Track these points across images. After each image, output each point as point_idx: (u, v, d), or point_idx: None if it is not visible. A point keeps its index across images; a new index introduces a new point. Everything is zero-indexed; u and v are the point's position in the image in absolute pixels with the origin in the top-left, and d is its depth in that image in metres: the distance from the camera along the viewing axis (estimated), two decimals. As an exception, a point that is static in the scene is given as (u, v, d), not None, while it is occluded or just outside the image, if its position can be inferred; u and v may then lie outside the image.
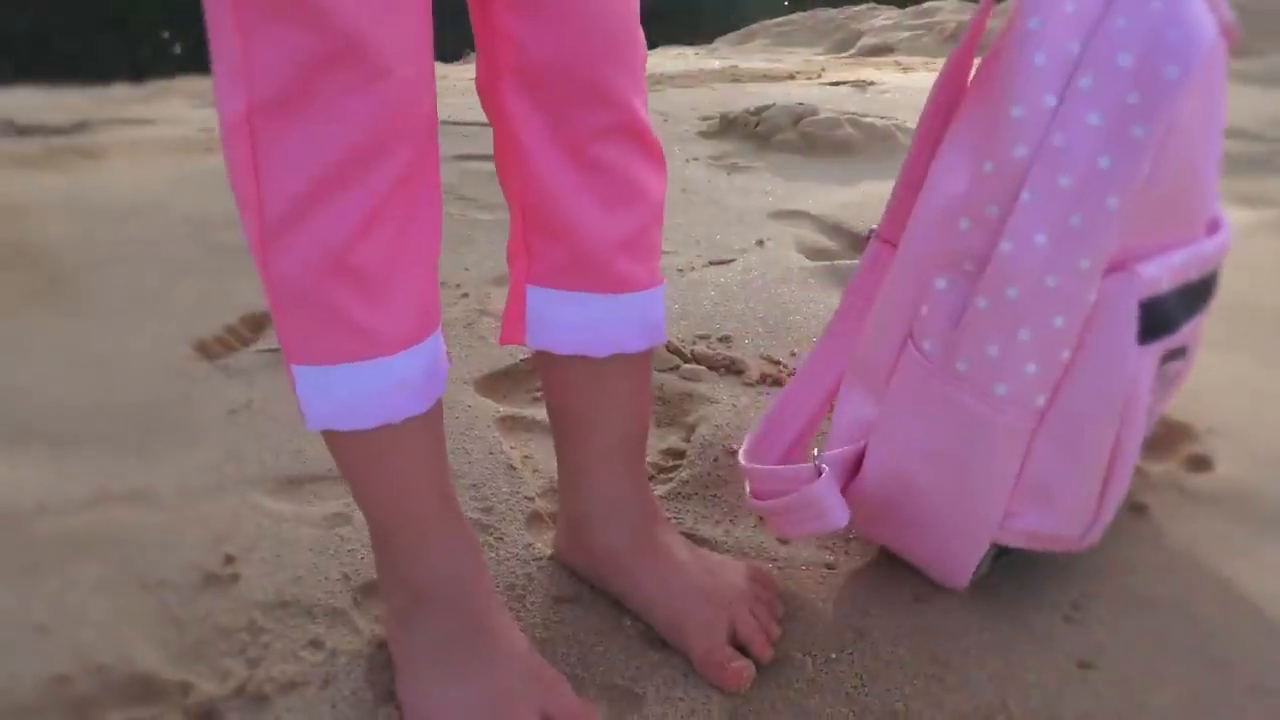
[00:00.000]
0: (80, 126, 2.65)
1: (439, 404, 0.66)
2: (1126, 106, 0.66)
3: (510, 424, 1.07)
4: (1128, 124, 0.65)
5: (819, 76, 3.38)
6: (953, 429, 0.70)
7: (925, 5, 5.03)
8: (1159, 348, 0.70)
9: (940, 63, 3.91)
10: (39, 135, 2.56)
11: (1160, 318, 0.70)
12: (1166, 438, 1.00)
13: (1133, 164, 0.65)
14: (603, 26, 0.62)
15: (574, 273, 0.68)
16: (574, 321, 0.70)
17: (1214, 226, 0.80)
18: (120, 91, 4.01)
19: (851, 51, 4.74)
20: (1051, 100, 0.67)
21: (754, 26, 5.76)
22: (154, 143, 2.44)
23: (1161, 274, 0.69)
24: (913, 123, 2.56)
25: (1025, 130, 0.67)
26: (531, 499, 0.92)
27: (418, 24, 0.56)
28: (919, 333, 0.71)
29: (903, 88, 3.07)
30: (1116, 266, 0.68)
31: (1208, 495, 0.90)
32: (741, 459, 0.81)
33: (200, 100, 3.38)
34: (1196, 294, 0.75)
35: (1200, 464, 0.96)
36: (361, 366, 0.61)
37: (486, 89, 0.67)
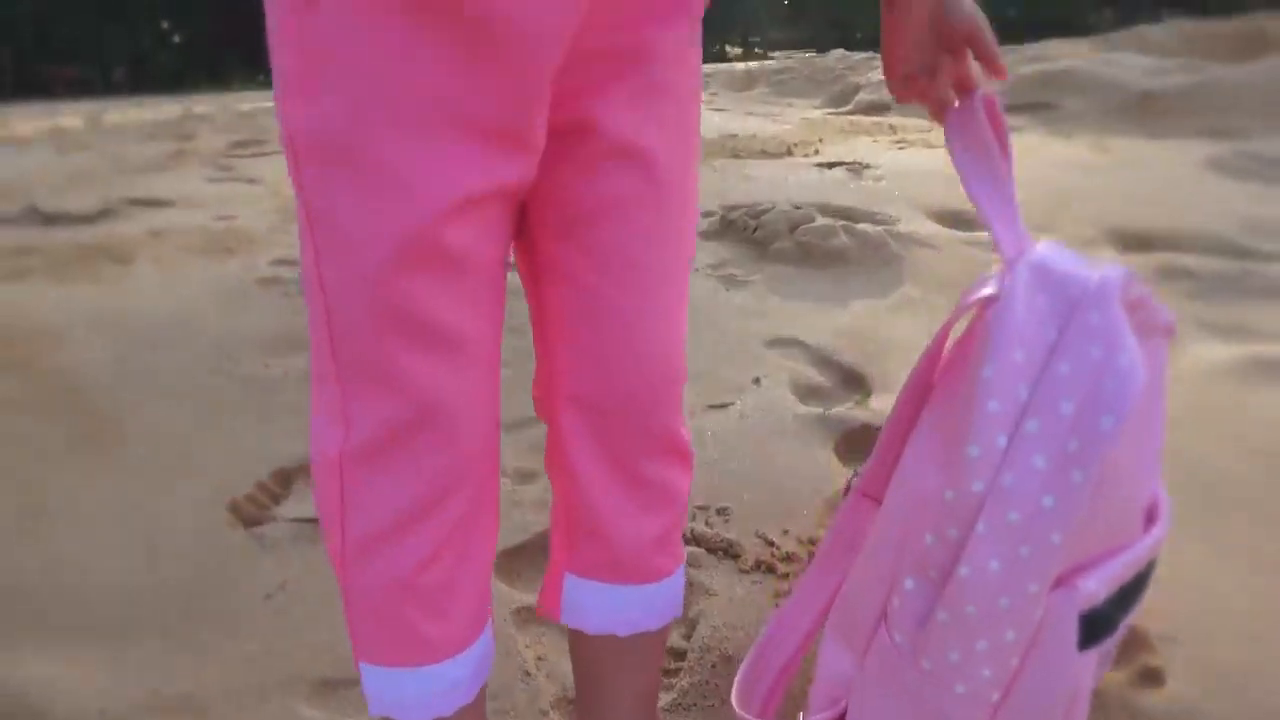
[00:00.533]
0: (105, 214, 2.75)
1: (484, 686, 0.77)
2: (1068, 453, 0.76)
3: (525, 617, 1.17)
4: (1068, 469, 0.76)
5: (815, 153, 3.48)
6: (918, 716, 0.80)
7: (921, 62, 5.12)
8: (1098, 651, 0.81)
9: (932, 133, 4.02)
10: (65, 225, 2.66)
11: (1099, 625, 0.80)
12: (1121, 642, 1.10)
13: (1073, 504, 0.76)
14: (651, 372, 0.71)
15: (610, 568, 0.79)
16: (606, 608, 0.80)
17: (1152, 515, 0.90)
18: (135, 142, 4.12)
19: (848, 107, 4.84)
20: (1003, 440, 0.77)
21: (754, 69, 5.87)
22: (177, 236, 2.54)
23: (1100, 586, 0.80)
24: (906, 223, 2.67)
25: (980, 468, 0.77)
26: (546, 712, 1.02)
27: (487, 385, 0.66)
28: (891, 622, 0.82)
29: (898, 172, 3.17)
30: (1060, 581, 0.78)
31: (1161, 717, 1.00)
32: (734, 703, 0.91)
33: (213, 170, 3.48)
34: (1133, 590, 0.85)
35: (1153, 678, 1.04)
36: (422, 671, 0.72)
37: (542, 400, 0.76)
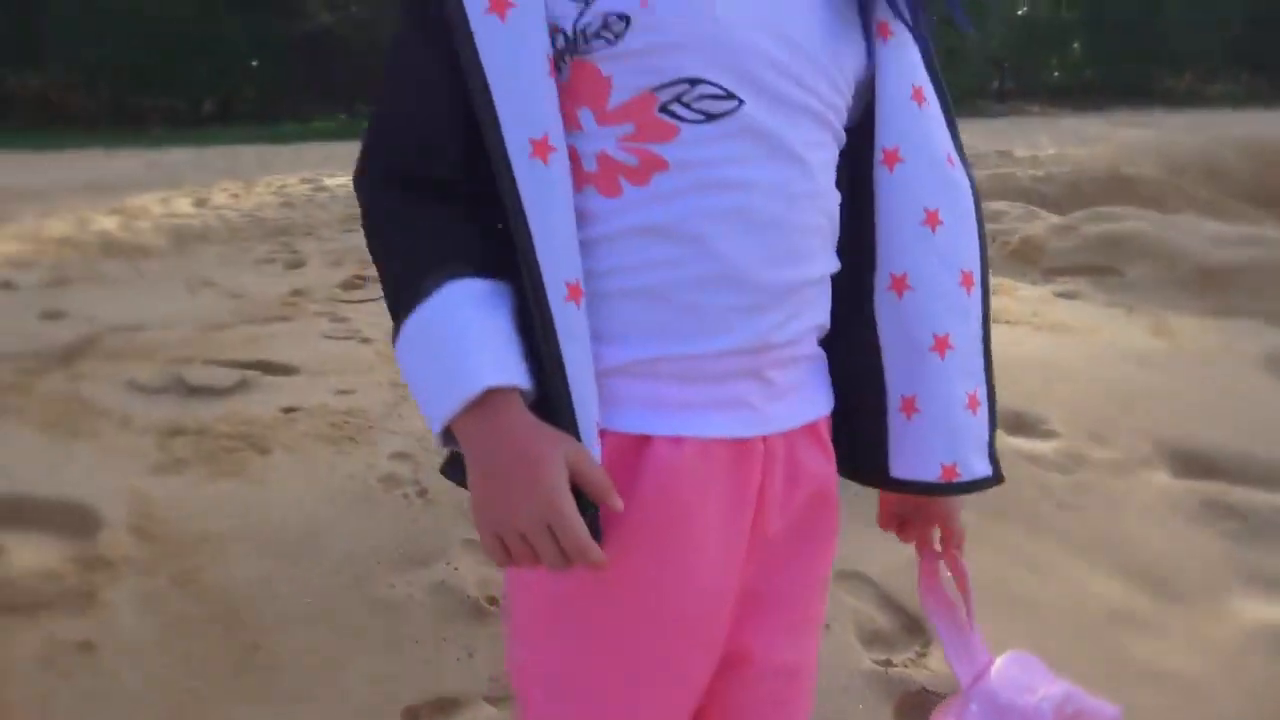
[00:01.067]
0: (241, 385, 3.08)
1: None
2: None
3: None
4: None
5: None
6: None
7: (990, 209, 5.34)
8: None
9: (1004, 284, 4.22)
10: (207, 398, 2.99)
11: None
12: None
13: None
14: None
15: None
16: None
17: None
18: (248, 259, 4.49)
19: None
20: None
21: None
22: (306, 420, 2.85)
23: None
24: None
25: None
26: None
27: None
28: None
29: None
30: None
31: None
32: None
33: (329, 323, 3.81)
34: None
35: None
36: None
37: None
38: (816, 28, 0.79)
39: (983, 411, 0.90)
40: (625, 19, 0.72)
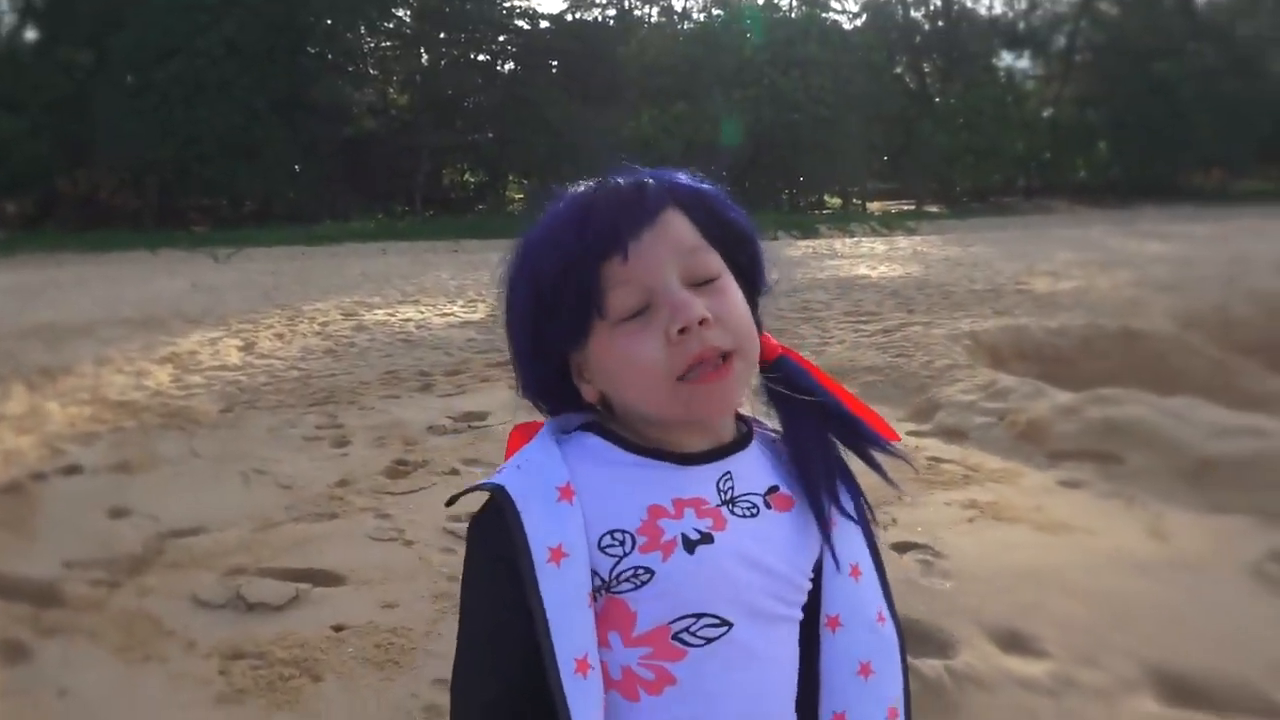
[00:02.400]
0: (294, 601, 3.35)
1: None
2: None
3: None
4: None
5: (894, 522, 3.94)
6: None
7: (1000, 385, 5.60)
8: None
9: (1003, 484, 4.44)
10: (263, 615, 3.27)
11: None
12: None
13: None
14: None
15: None
16: None
17: None
18: (291, 416, 4.80)
19: (928, 427, 5.32)
20: None
21: (845, 363, 6.42)
22: (353, 640, 3.11)
23: None
24: (965, 650, 3.07)
25: None
26: None
27: None
28: None
29: (966, 570, 3.58)
30: None
31: None
32: None
33: (373, 520, 4.10)
34: None
35: None
36: None
37: None
38: (789, 552, 1.03)
39: None
40: (651, 572, 0.96)
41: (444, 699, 2.82)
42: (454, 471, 4.79)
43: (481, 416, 6.09)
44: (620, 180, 0.98)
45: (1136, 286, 11.03)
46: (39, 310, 13.02)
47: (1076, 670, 3.02)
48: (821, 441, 1.07)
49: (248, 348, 9.46)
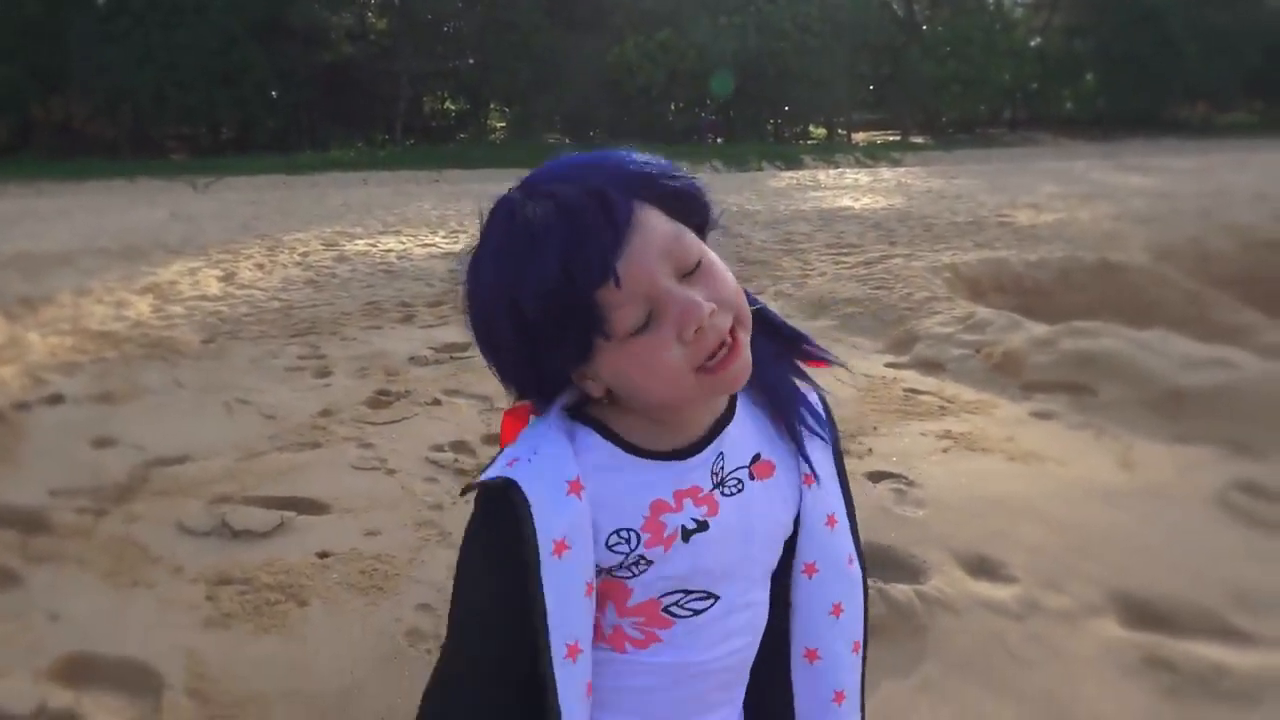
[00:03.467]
0: (280, 528, 3.41)
1: None
2: None
3: None
4: None
5: (869, 452, 4.01)
6: None
7: (978, 317, 5.65)
8: None
9: (978, 416, 4.51)
10: (249, 541, 3.32)
11: None
12: None
13: None
14: None
15: None
16: None
17: None
18: (272, 349, 4.82)
19: (906, 359, 5.38)
20: None
21: (824, 295, 6.45)
22: (338, 566, 3.17)
23: None
24: (934, 575, 3.16)
25: None
26: None
27: None
28: None
29: (937, 498, 3.66)
30: None
31: None
32: None
33: (356, 450, 4.14)
34: None
35: None
36: None
37: None
38: (772, 519, 1.10)
39: None
40: (650, 562, 1.03)
41: (426, 623, 2.90)
42: (436, 402, 4.82)
43: (463, 348, 6.11)
44: (577, 193, 0.92)
45: (1116, 220, 11.07)
46: (17, 240, 12.87)
47: (1043, 595, 3.12)
48: (780, 378, 1.11)
49: (228, 278, 9.41)
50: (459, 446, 4.22)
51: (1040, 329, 5.35)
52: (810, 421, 1.11)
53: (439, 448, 4.21)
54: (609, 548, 1.01)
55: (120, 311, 7.58)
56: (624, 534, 1.01)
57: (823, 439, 1.13)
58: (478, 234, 1.00)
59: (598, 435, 1.03)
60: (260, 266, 10.20)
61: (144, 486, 3.79)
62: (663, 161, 0.99)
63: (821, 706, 1.16)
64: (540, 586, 0.97)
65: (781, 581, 1.17)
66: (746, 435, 1.08)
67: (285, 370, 5.50)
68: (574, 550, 0.98)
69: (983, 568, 3.27)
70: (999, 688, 2.75)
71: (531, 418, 1.07)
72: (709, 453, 1.04)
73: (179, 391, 5.14)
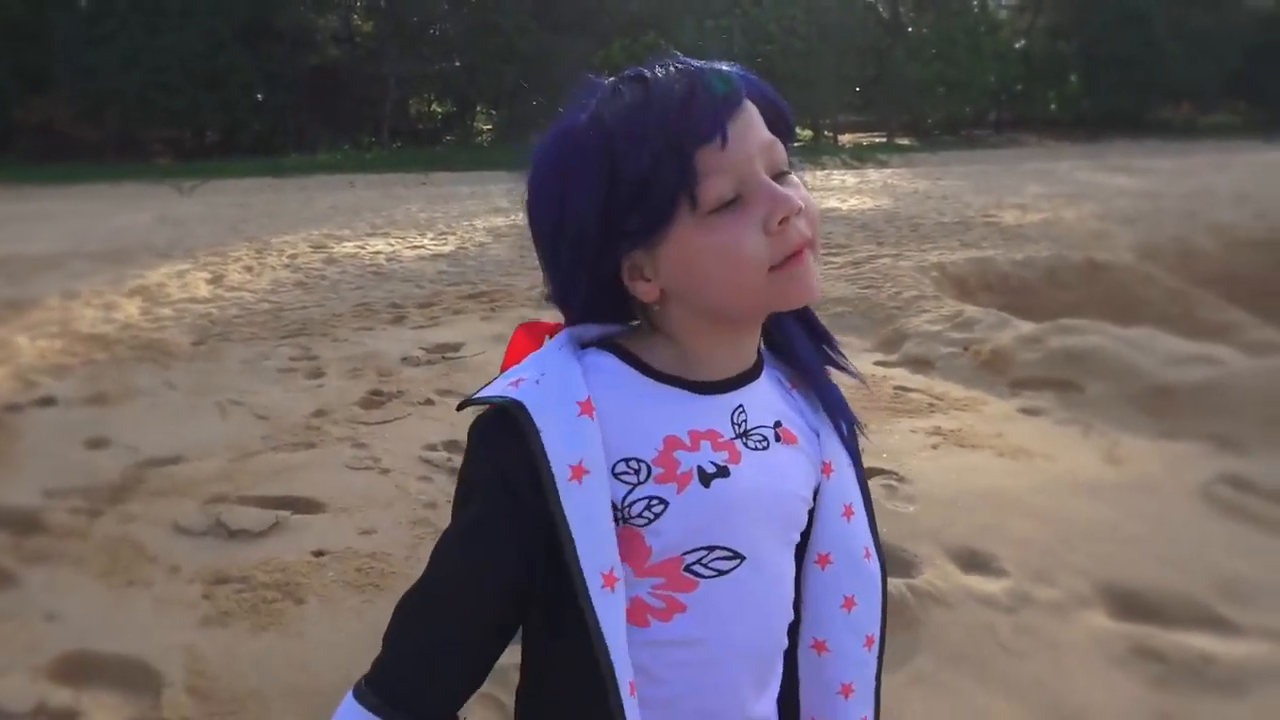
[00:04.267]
0: (275, 527, 3.42)
1: None
2: None
3: None
4: None
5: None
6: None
7: (965, 316, 5.70)
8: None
9: (966, 412, 4.56)
10: (245, 541, 3.34)
11: None
12: None
13: None
14: None
15: None
16: None
17: None
18: (263, 352, 4.84)
19: (895, 358, 5.42)
20: None
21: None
22: (334, 564, 3.19)
23: None
24: (926, 569, 3.19)
25: None
26: None
27: None
28: None
29: (928, 493, 3.70)
30: None
31: None
32: None
33: (350, 450, 4.16)
34: None
35: None
36: None
37: None
38: (796, 485, 1.05)
39: None
40: (665, 503, 0.97)
41: (425, 619, 2.92)
42: (429, 402, 4.84)
43: (455, 348, 6.13)
44: (699, 66, 0.92)
45: (1101, 219, 11.15)
46: (2, 243, 12.81)
47: (1032, 587, 3.16)
48: (822, 368, 1.10)
49: (217, 280, 9.39)
50: (452, 445, 4.23)
51: (1027, 327, 5.41)
52: (837, 404, 1.09)
53: (432, 447, 4.23)
54: (616, 476, 0.94)
55: (109, 314, 7.56)
56: (633, 464, 0.95)
57: (844, 429, 1.11)
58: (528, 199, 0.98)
59: (612, 356, 0.98)
60: (249, 269, 10.18)
61: (139, 487, 3.80)
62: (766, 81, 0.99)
63: (827, 698, 1.13)
64: (563, 514, 0.91)
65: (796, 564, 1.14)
66: (772, 400, 1.05)
67: (277, 371, 5.51)
68: (593, 475, 0.92)
69: (973, 561, 3.31)
70: (991, 679, 2.78)
71: (546, 339, 1.02)
72: (730, 398, 1.00)
73: (171, 393, 5.14)
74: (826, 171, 24.58)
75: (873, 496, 3.45)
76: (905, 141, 38.71)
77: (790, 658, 1.13)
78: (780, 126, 0.98)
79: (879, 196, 16.05)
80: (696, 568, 0.99)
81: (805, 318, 1.09)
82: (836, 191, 17.39)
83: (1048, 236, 9.75)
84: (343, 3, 40.36)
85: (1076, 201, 13.61)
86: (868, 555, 1.11)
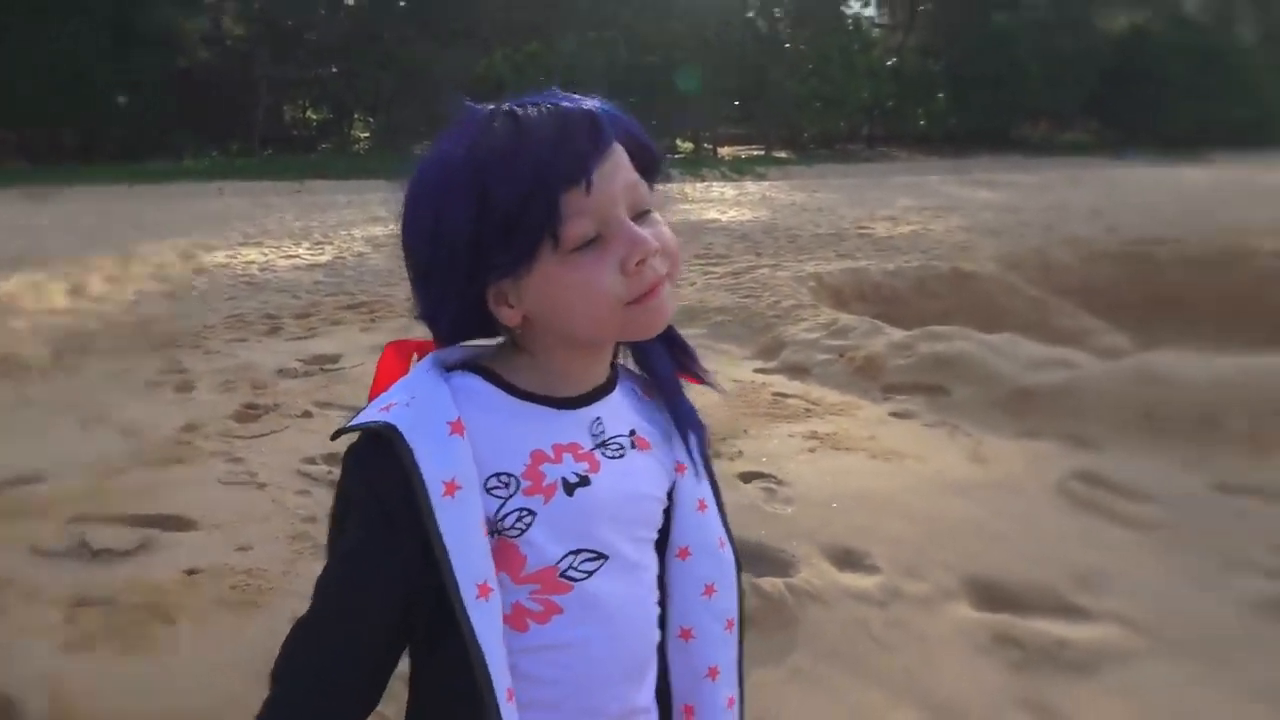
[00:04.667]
0: (143, 546, 3.30)
1: None
2: None
3: None
4: None
5: (739, 454, 4.14)
6: None
7: (840, 324, 5.89)
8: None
9: (843, 416, 4.71)
10: (110, 561, 3.21)
11: None
12: None
13: None
14: None
15: None
16: None
17: None
18: (127, 370, 4.66)
19: (774, 365, 5.57)
20: None
21: (695, 306, 6.60)
22: (207, 583, 3.09)
23: None
24: (803, 568, 3.29)
25: None
26: None
27: None
28: None
29: (805, 495, 3.82)
30: None
31: None
32: None
33: (224, 464, 4.04)
34: None
35: None
36: None
37: None
38: (651, 487, 1.14)
39: (736, 706, 1.29)
40: (533, 514, 1.03)
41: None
42: (307, 414, 4.74)
43: (333, 359, 6.01)
44: (570, 108, 0.98)
45: (967, 231, 11.66)
46: None
47: (903, 582, 3.29)
48: (676, 383, 1.18)
49: (76, 291, 8.97)
50: (332, 459, 4.15)
51: (898, 334, 5.62)
52: (686, 417, 1.17)
53: (311, 460, 4.14)
54: (488, 491, 1.00)
55: (-41, 327, 7.15)
56: (503, 478, 1.01)
57: (695, 434, 1.19)
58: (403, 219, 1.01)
59: (478, 378, 1.04)
60: (111, 279, 9.76)
61: (-6, 508, 3.61)
62: (634, 119, 1.06)
63: (697, 682, 1.21)
64: (437, 529, 0.96)
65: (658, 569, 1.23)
66: (626, 411, 1.13)
67: (144, 385, 5.30)
68: (465, 490, 0.98)
69: (848, 559, 3.42)
70: (864, 672, 2.89)
71: (414, 358, 1.07)
72: (588, 411, 1.08)
73: (27, 409, 4.89)
74: (707, 184, 24.99)
75: (752, 500, 3.56)
76: (783, 155, 39.63)
77: (661, 649, 1.20)
78: (646, 164, 1.05)
79: (758, 208, 16.41)
80: (570, 572, 1.05)
81: (665, 332, 1.14)
82: (716, 203, 17.71)
83: (917, 248, 10.14)
84: (213, 4, 39.05)
85: (944, 214, 14.20)
86: (722, 545, 1.20)
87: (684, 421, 1.16)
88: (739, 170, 32.11)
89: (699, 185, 24.95)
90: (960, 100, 43.04)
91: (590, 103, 1.01)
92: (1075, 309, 7.25)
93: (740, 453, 4.23)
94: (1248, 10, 47.14)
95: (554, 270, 0.97)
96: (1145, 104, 39.92)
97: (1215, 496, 3.94)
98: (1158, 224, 12.28)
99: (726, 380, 5.19)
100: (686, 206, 17.46)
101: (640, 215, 1.00)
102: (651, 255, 0.98)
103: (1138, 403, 4.56)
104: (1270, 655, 2.96)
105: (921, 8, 47.75)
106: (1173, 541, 3.61)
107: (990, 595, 3.27)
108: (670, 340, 1.16)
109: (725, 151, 42.19)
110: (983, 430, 4.60)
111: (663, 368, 1.15)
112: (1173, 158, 32.29)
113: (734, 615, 1.22)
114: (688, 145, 43.14)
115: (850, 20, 46.83)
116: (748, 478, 3.98)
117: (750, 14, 45.13)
